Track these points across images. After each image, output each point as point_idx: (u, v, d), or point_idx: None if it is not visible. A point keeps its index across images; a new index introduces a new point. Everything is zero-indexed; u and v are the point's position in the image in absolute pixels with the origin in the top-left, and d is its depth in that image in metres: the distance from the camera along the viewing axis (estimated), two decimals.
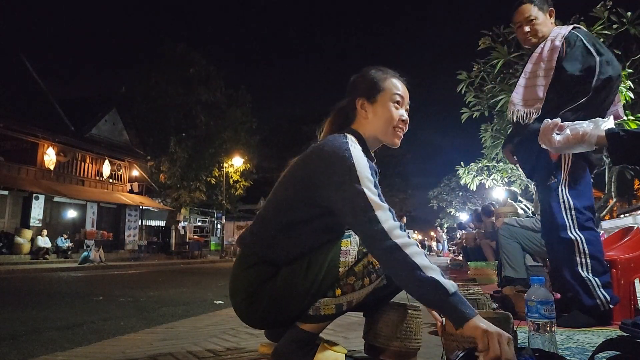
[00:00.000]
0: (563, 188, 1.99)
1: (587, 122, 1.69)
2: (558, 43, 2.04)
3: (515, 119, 2.15)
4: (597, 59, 1.94)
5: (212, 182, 21.15)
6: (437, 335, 1.89)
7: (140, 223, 19.86)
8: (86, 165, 17.97)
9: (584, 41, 2.00)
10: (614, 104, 2.08)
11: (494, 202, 8.69)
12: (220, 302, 4.01)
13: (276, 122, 31.67)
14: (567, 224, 1.95)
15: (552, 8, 2.19)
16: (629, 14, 4.26)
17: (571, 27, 2.12)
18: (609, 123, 1.70)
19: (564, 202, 1.98)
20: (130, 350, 1.78)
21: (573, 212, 1.96)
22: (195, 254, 18.22)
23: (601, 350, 1.10)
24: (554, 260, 2.11)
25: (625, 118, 4.60)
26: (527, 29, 2.16)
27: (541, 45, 2.13)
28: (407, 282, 1.11)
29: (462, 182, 9.38)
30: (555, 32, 2.12)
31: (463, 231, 10.14)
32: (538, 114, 2.05)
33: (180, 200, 20.51)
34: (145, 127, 20.42)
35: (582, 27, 2.15)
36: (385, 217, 1.15)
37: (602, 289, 1.89)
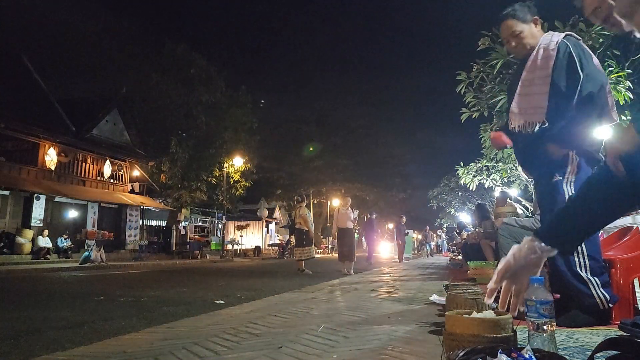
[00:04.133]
0: (568, 187, 2.00)
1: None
2: (552, 52, 2.04)
3: (517, 129, 2.14)
4: (581, 75, 1.94)
5: (213, 182, 21.15)
6: (437, 335, 1.90)
7: (141, 223, 19.86)
8: (87, 165, 17.98)
9: (573, 53, 1.99)
10: (610, 109, 2.07)
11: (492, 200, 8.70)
12: (221, 301, 4.02)
13: (276, 122, 31.68)
14: None
15: (536, 17, 2.17)
16: None
17: (563, 35, 2.10)
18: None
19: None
20: (131, 349, 1.79)
21: None
22: (195, 254, 18.22)
23: (600, 350, 1.10)
24: (552, 259, 2.11)
25: (624, 118, 4.60)
26: (514, 43, 2.16)
27: (534, 52, 2.12)
28: None
29: (462, 182, 9.41)
30: (546, 39, 2.11)
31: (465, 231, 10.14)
32: (543, 123, 2.04)
33: (181, 200, 20.52)
34: (146, 127, 20.43)
35: (573, 35, 2.14)
36: None
37: (601, 288, 1.89)
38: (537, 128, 2.05)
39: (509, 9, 2.21)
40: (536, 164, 2.17)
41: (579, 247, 1.92)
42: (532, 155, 2.16)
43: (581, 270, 1.92)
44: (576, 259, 1.93)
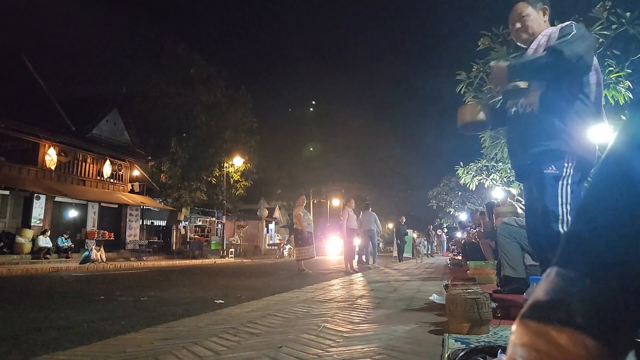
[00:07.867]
0: (565, 181, 1.98)
1: None
2: (554, 41, 2.05)
3: (518, 108, 2.15)
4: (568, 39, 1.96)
5: (213, 182, 21.15)
6: (437, 335, 1.91)
7: (141, 223, 19.87)
8: (87, 165, 17.99)
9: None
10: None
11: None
12: (221, 301, 4.02)
13: (276, 122, 31.69)
14: (562, 217, 1.95)
15: (545, 6, 2.23)
16: (628, 14, 4.26)
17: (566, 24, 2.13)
18: None
19: (562, 195, 1.97)
20: (132, 349, 1.79)
21: (568, 207, 1.95)
22: (195, 254, 18.22)
23: None
24: (539, 251, 2.10)
25: (624, 118, 4.59)
26: (518, 25, 2.23)
27: (536, 40, 2.16)
28: None
29: (462, 181, 9.41)
30: (548, 30, 2.15)
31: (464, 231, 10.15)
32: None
33: (181, 200, 20.51)
34: (146, 127, 20.43)
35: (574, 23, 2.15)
36: None
37: None
38: (536, 108, 2.05)
39: None
40: (529, 151, 2.10)
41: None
42: (526, 139, 2.12)
43: None
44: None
